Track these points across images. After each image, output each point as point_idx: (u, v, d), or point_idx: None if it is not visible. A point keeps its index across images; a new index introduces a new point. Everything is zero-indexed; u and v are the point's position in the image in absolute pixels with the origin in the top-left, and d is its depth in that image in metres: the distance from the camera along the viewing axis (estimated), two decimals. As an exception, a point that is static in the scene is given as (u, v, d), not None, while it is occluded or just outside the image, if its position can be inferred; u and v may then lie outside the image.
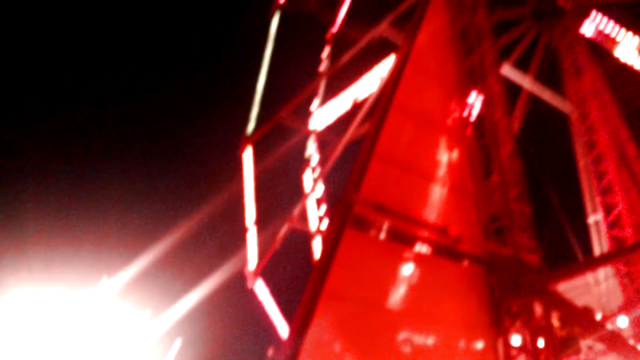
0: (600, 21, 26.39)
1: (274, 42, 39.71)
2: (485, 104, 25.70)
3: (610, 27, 25.86)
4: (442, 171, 25.18)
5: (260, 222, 37.61)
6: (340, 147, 34.35)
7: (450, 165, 25.44)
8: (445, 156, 25.36)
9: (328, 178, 37.54)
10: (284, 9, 40.11)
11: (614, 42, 25.62)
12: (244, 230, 37.39)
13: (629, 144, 29.12)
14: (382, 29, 30.91)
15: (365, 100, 35.52)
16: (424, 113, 25.16)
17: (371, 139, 23.39)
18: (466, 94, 25.88)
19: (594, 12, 26.98)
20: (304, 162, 39.23)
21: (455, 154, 25.58)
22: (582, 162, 28.24)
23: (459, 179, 25.37)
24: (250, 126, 40.19)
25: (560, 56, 29.89)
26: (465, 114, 25.91)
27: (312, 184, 38.29)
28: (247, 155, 39.56)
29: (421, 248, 23.59)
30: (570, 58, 29.34)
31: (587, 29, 27.48)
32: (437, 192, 24.70)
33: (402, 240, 23.17)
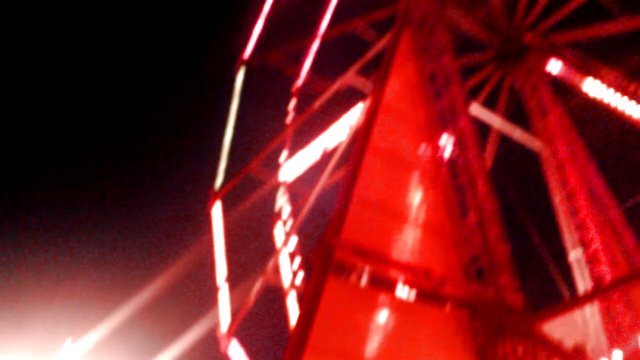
0: (567, 59, 27.09)
1: (240, 96, 39.73)
2: (458, 145, 25.78)
3: (576, 65, 26.47)
4: (419, 213, 25.02)
5: (232, 279, 36.69)
6: (312, 197, 34.03)
7: (428, 206, 25.31)
8: (421, 198, 25.25)
9: (301, 230, 36.98)
10: (248, 64, 40.31)
11: (580, 78, 26.20)
12: (215, 288, 36.34)
13: (597, 179, 29.49)
14: (349, 77, 31.09)
15: (335, 149, 35.53)
16: (398, 156, 25.23)
17: (349, 183, 23.24)
18: (438, 136, 25.99)
19: (560, 51, 27.64)
20: (274, 216, 38.68)
21: (431, 195, 25.51)
22: (557, 199, 28.43)
23: (436, 220, 25.22)
24: (219, 181, 39.70)
25: (525, 97, 30.46)
26: (438, 155, 25.92)
27: (285, 237, 37.62)
28: (216, 210, 38.88)
29: (404, 293, 23.09)
30: (535, 98, 29.92)
31: (553, 67, 28.12)
32: (416, 234, 24.46)
33: (384, 285, 22.68)
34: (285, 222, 38.06)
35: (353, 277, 22.15)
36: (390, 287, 22.88)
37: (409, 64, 26.69)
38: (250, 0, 41.16)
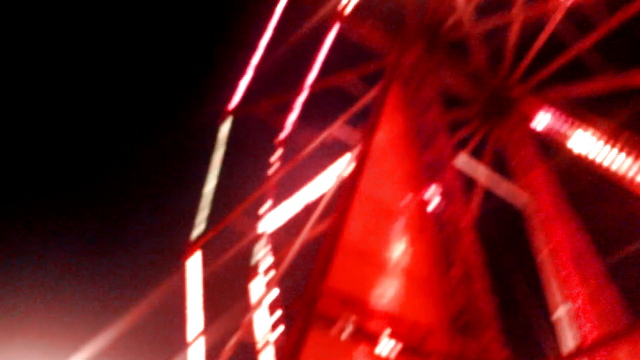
0: (552, 115, 27.51)
1: (225, 147, 39.64)
2: (444, 197, 25.74)
3: (562, 121, 26.87)
4: (405, 264, 24.65)
5: (206, 334, 35.64)
6: (294, 248, 33.57)
7: (413, 258, 24.98)
8: (407, 249, 24.94)
9: (282, 282, 36.28)
10: (234, 114, 40.40)
11: (565, 135, 26.57)
12: (186, 343, 35.27)
13: (581, 235, 29.47)
14: (337, 128, 31.28)
15: (318, 200, 35.34)
16: (385, 206, 25.06)
17: (335, 231, 22.95)
18: (425, 188, 25.93)
19: (545, 107, 28.09)
20: (251, 269, 38.00)
21: (417, 247, 25.21)
22: (542, 255, 28.33)
23: (422, 273, 24.85)
24: (197, 231, 39.10)
25: (509, 152, 30.74)
26: (424, 207, 25.81)
27: (264, 289, 36.84)
28: (193, 261, 38.12)
29: (388, 346, 22.48)
30: (519, 154, 30.19)
31: (538, 123, 28.53)
32: (402, 286, 24.01)
33: (368, 338, 22.07)
34: (265, 273, 37.41)
35: (336, 329, 21.51)
36: (374, 339, 22.28)
37: (397, 116, 26.90)
38: (238, 51, 41.65)
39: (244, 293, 37.06)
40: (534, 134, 29.37)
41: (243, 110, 40.62)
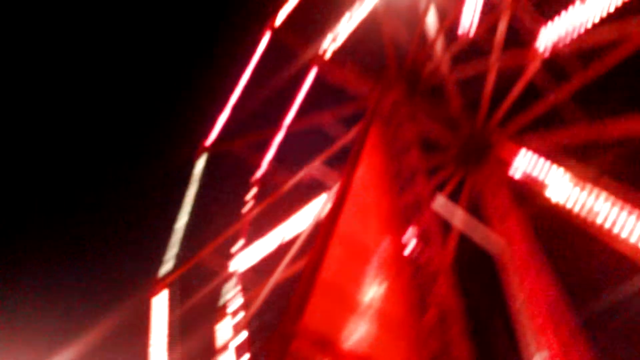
0: (529, 161, 27.77)
1: (199, 184, 39.20)
2: (421, 240, 25.59)
3: (539, 168, 27.12)
4: (380, 307, 24.22)
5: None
6: (265, 290, 32.99)
7: (388, 301, 24.59)
8: (383, 291, 24.56)
9: (249, 325, 35.45)
10: (210, 151, 40.13)
11: (543, 182, 26.79)
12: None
13: (553, 286, 29.46)
14: (314, 167, 31.23)
15: (291, 241, 34.94)
16: (362, 246, 24.77)
17: (311, 270, 22.50)
18: (402, 230, 25.78)
19: (522, 153, 28.37)
20: (219, 310, 37.14)
21: (392, 289, 24.87)
22: (516, 303, 28.18)
23: (397, 316, 24.45)
24: (165, 268, 38.23)
25: (484, 199, 30.87)
26: (401, 249, 25.62)
27: (232, 332, 35.93)
28: (160, 299, 37.14)
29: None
30: (495, 201, 30.33)
31: (515, 170, 28.77)
32: (377, 329, 23.52)
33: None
34: (233, 315, 36.53)
35: (309, 371, 20.89)
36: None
37: (376, 157, 26.92)
38: (218, 89, 41.72)
39: (211, 334, 36.12)
40: (510, 180, 29.59)
41: (219, 147, 40.40)
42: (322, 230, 24.00)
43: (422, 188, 26.56)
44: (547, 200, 26.39)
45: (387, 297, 24.95)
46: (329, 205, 25.93)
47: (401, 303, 25.01)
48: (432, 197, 27.02)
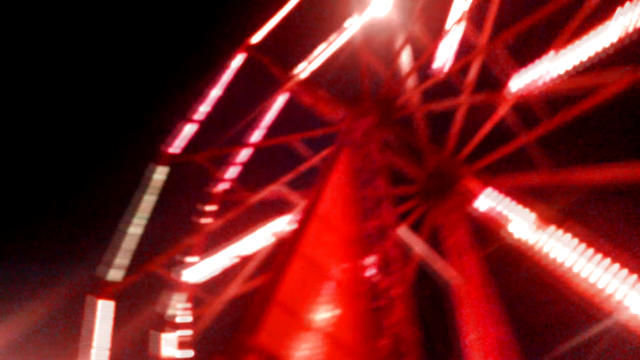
0: (493, 199, 28.21)
1: (158, 193, 38.42)
2: (381, 267, 25.60)
3: (503, 205, 27.58)
4: (334, 330, 24.07)
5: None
6: (219, 304, 32.44)
7: (343, 325, 24.44)
8: (339, 315, 24.43)
9: (199, 340, 34.67)
10: (172, 160, 39.47)
11: (506, 219, 27.21)
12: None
13: (504, 326, 29.75)
14: (279, 187, 31.11)
15: (249, 257, 34.55)
16: (322, 268, 24.65)
17: (270, 285, 22.25)
18: (363, 255, 25.77)
19: (487, 190, 28.81)
20: (164, 323, 36.22)
21: (348, 314, 24.75)
22: (471, 337, 28.36)
23: (350, 341, 24.28)
24: (112, 273, 37.09)
25: (444, 234, 31.19)
26: (360, 274, 25.56)
27: (177, 345, 35.05)
28: (106, 305, 35.96)
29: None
30: (453, 237, 30.68)
31: (477, 207, 29.16)
32: (329, 352, 23.34)
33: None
34: (180, 328, 35.67)
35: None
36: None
37: (344, 181, 27.03)
38: (187, 99, 41.35)
39: (156, 345, 35.15)
40: (470, 217, 30.01)
41: (182, 157, 39.82)
42: (284, 250, 23.84)
43: (386, 215, 26.67)
44: (508, 237, 26.79)
45: (342, 321, 24.78)
46: (292, 225, 25.76)
47: (355, 327, 24.86)
48: (396, 225, 27.10)
